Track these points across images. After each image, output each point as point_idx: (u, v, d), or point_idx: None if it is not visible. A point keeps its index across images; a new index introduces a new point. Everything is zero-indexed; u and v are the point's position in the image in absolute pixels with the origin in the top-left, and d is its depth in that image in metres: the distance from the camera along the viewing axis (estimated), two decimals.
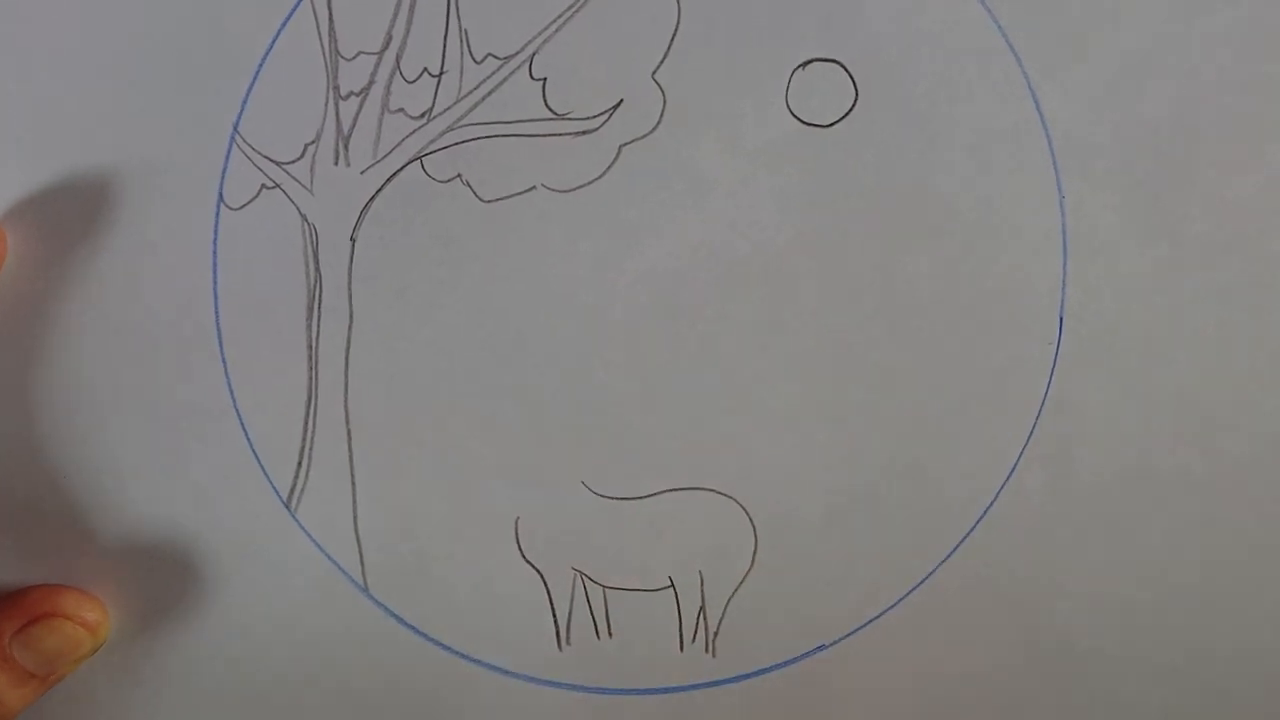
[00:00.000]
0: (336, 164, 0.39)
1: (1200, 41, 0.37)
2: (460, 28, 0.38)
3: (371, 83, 0.39)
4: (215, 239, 0.39)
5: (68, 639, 0.38)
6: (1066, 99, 0.38)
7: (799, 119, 0.38)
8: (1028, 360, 0.38)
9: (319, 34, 0.39)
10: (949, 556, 0.39)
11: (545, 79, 0.38)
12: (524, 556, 0.39)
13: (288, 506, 0.39)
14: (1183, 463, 0.38)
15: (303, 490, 0.39)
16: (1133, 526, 0.38)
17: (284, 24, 0.39)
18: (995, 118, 0.38)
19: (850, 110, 0.38)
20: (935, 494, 0.39)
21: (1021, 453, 0.38)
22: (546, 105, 0.38)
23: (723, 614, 0.39)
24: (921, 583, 0.39)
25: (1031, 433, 0.38)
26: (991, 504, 0.38)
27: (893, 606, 0.39)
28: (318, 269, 0.39)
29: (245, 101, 0.39)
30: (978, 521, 0.38)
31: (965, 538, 0.39)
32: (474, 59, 0.38)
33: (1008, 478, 0.38)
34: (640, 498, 0.39)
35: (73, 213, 0.39)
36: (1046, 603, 0.38)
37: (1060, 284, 0.38)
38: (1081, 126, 0.38)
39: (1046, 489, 0.38)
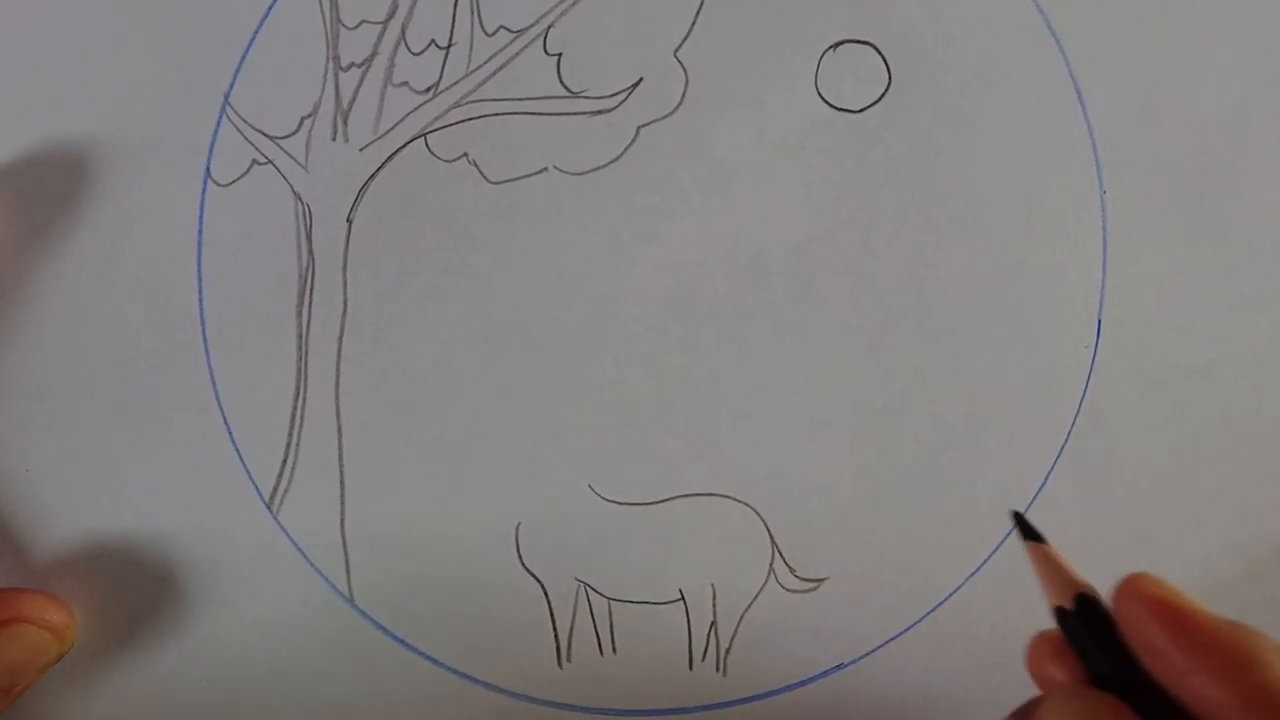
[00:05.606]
0: (334, 140, 0.37)
1: (1254, 37, 0.37)
2: None
3: (374, 54, 0.37)
4: (201, 217, 0.37)
5: (31, 646, 0.35)
6: (1111, 90, 0.37)
7: (828, 103, 0.37)
8: (1063, 365, 0.37)
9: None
10: (976, 572, 0.37)
11: (560, 54, 0.37)
12: (524, 565, 0.37)
13: (269, 508, 0.37)
14: (1225, 482, 0.37)
15: (286, 490, 0.37)
16: (1170, 546, 0.37)
17: None
18: (1035, 108, 0.37)
19: (883, 95, 0.37)
20: (962, 505, 0.37)
21: (1054, 463, 0.37)
22: (561, 82, 0.37)
23: (735, 630, 0.37)
24: (947, 598, 0.37)
25: (1065, 442, 0.37)
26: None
27: (917, 623, 0.37)
28: (310, 252, 0.37)
29: (238, 70, 0.37)
30: (1007, 535, 0.37)
31: (993, 553, 0.37)
32: (485, 31, 0.37)
33: (1039, 490, 0.37)
34: (650, 504, 0.37)
35: (46, 186, 0.37)
36: None
37: (1099, 285, 0.37)
38: (1126, 120, 0.37)
39: (1079, 502, 0.37)
